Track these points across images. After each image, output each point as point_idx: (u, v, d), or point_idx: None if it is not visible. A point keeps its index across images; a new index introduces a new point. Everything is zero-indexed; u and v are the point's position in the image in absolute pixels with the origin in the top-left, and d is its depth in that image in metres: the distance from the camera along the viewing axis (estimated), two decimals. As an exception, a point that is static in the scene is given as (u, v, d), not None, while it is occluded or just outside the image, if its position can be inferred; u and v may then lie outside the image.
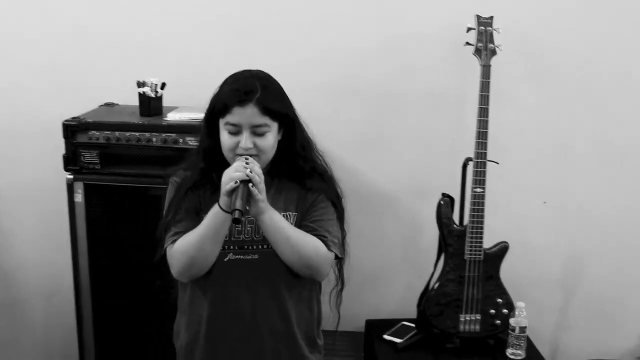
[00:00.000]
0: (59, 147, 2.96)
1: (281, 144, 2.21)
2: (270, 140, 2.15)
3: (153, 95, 3.04)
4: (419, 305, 3.15)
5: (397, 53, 3.25)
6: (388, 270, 3.45)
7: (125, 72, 3.25)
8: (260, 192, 2.06)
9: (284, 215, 2.20)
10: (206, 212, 2.16)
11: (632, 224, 3.36)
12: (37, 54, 3.34)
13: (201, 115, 2.90)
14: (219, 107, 2.16)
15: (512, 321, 3.03)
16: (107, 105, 3.25)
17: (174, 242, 2.19)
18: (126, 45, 3.30)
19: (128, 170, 2.94)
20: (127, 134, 2.91)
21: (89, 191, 2.96)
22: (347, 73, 3.28)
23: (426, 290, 3.13)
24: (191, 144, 2.86)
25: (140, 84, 3.04)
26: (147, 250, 2.92)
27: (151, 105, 3.04)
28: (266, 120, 2.12)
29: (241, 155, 2.12)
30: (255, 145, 2.12)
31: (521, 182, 3.32)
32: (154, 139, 2.91)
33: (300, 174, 2.26)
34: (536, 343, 3.18)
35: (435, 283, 3.06)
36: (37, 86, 3.36)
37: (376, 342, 3.19)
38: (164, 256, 2.24)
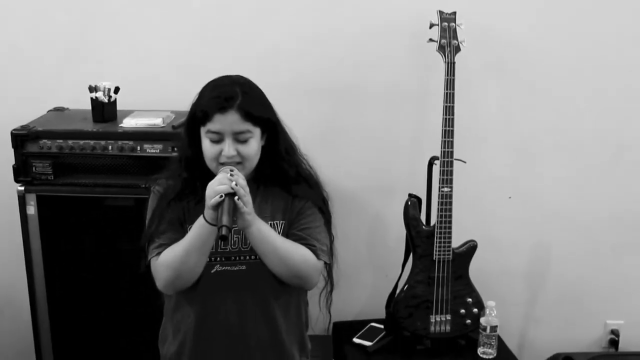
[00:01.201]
0: (7, 156, 2.81)
1: (264, 149, 2.16)
2: (254, 146, 2.11)
3: (106, 100, 2.91)
4: (387, 306, 3.10)
5: (357, 47, 3.16)
6: (353, 270, 3.34)
7: (74, 73, 3.12)
8: (246, 205, 2.01)
9: (270, 225, 2.16)
10: (190, 222, 2.13)
11: (595, 215, 3.35)
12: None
13: (158, 120, 2.83)
14: (199, 114, 2.10)
15: (482, 320, 3.00)
16: (56, 110, 3.10)
17: (158, 254, 2.14)
18: (75, 44, 3.14)
19: (82, 179, 2.81)
20: (81, 142, 2.77)
21: (41, 203, 2.82)
22: (305, 68, 3.18)
23: (394, 292, 3.08)
24: (149, 151, 2.76)
25: (92, 89, 2.90)
26: (105, 261, 2.88)
27: (104, 110, 2.91)
28: (248, 126, 2.08)
29: (224, 164, 2.08)
30: (238, 153, 2.08)
31: (485, 177, 3.27)
32: (110, 147, 2.78)
33: (285, 178, 2.22)
34: (503, 337, 3.16)
35: (404, 285, 3.01)
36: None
37: (345, 345, 3.13)
38: (148, 266, 2.18)
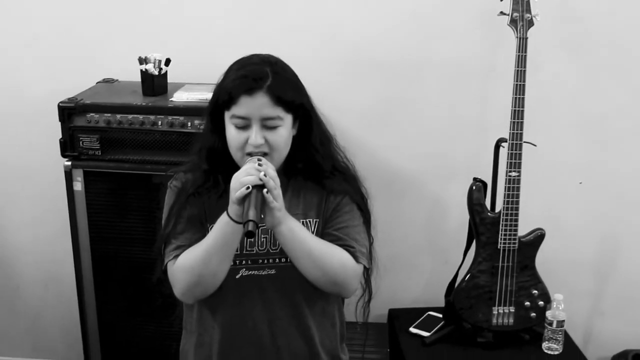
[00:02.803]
0: (54, 130, 2.71)
1: (296, 139, 1.94)
2: (284, 134, 1.88)
3: (156, 73, 2.78)
4: (447, 295, 2.94)
5: (420, 18, 2.97)
6: (411, 256, 3.22)
7: (124, 43, 3.01)
8: (276, 199, 1.79)
9: (303, 223, 1.95)
10: (212, 221, 1.90)
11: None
12: (23, 24, 3.05)
13: (210, 95, 2.69)
14: (224, 97, 1.88)
15: (548, 314, 2.83)
16: (105, 81, 2.99)
17: (175, 257, 1.93)
18: (124, 14, 3.01)
19: (130, 156, 2.71)
20: (130, 116, 2.66)
21: (88, 178, 2.74)
22: (365, 41, 3.01)
23: (454, 281, 2.92)
24: (200, 127, 2.61)
25: (142, 60, 2.78)
26: (151, 241, 2.76)
27: (155, 83, 2.79)
28: (278, 111, 1.85)
29: (250, 153, 1.86)
30: (267, 141, 1.86)
31: (555, 161, 3.06)
32: (159, 122, 2.66)
33: (319, 172, 1.99)
34: (568, 331, 2.96)
35: (466, 274, 2.84)
36: (22, 61, 3.09)
37: (401, 335, 2.98)
38: (165, 272, 1.98)
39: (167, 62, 2.81)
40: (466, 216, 2.86)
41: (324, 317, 2.08)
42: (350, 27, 2.99)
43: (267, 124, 1.85)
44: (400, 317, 3.10)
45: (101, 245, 2.81)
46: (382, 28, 2.99)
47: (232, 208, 1.80)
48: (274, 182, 1.79)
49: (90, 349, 3.00)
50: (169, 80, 2.85)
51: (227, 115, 1.88)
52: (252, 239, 1.88)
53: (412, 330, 2.99)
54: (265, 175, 1.77)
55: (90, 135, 2.68)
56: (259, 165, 1.80)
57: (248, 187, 1.75)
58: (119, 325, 2.94)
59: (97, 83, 2.97)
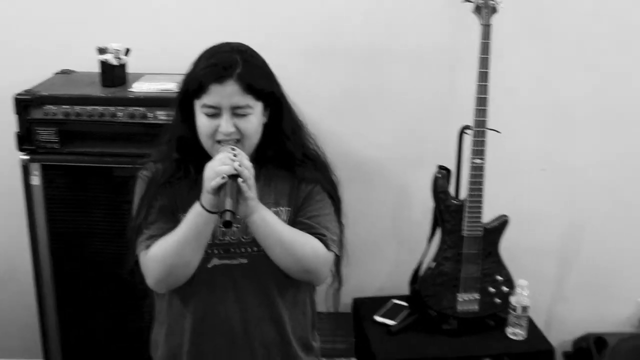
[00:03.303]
0: (10, 123, 2.62)
1: (267, 127, 1.94)
2: (254, 122, 1.89)
3: (116, 63, 2.71)
4: (412, 283, 2.94)
5: (383, 6, 2.95)
6: (375, 244, 3.21)
7: (81, 34, 2.91)
8: (250, 188, 1.80)
9: (274, 212, 1.94)
10: (183, 211, 1.90)
11: (633, 189, 3.17)
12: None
13: (171, 85, 2.64)
14: (194, 85, 1.88)
15: (512, 300, 2.85)
16: (63, 72, 2.90)
17: (147, 247, 1.91)
18: (81, 4, 2.92)
19: (90, 148, 2.64)
20: (89, 108, 2.59)
21: (47, 172, 2.66)
22: (327, 29, 2.97)
23: (419, 268, 2.92)
24: (161, 118, 2.57)
25: (101, 51, 2.71)
26: (113, 235, 2.71)
27: (114, 74, 2.72)
28: (248, 99, 1.85)
29: (220, 142, 1.86)
30: (237, 129, 1.86)
31: (519, 148, 3.08)
32: (119, 114, 2.59)
33: (291, 160, 1.99)
34: (531, 316, 2.98)
35: (431, 261, 2.84)
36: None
37: (366, 324, 2.99)
38: (137, 262, 1.96)
39: (127, 52, 2.75)
40: (430, 203, 2.86)
41: (296, 306, 2.08)
42: (315, 15, 2.96)
43: (238, 112, 1.85)
44: (365, 306, 3.10)
45: (61, 240, 2.74)
46: (348, 16, 2.96)
47: (206, 198, 1.80)
48: (248, 171, 1.79)
49: (49, 348, 2.92)
50: (128, 71, 2.78)
51: (198, 104, 1.87)
52: (227, 229, 1.85)
53: (378, 319, 2.99)
54: (240, 165, 1.77)
55: (48, 128, 2.61)
56: (234, 154, 1.79)
57: (224, 177, 1.75)
58: (79, 322, 2.86)
59: (54, 74, 2.88)
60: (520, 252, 3.06)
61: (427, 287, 2.85)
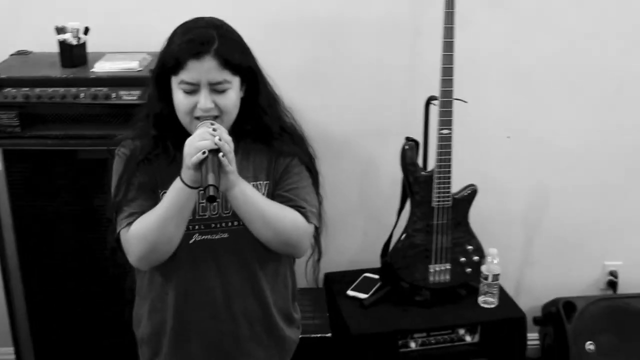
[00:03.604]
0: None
1: (243, 101, 1.93)
2: (232, 97, 1.87)
3: (75, 42, 2.64)
4: (383, 255, 2.95)
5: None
6: (343, 217, 3.18)
7: (36, 13, 2.84)
8: (231, 162, 1.79)
9: (254, 186, 1.94)
10: (164, 187, 1.90)
11: (595, 155, 3.20)
12: None
13: (134, 64, 2.59)
14: (170, 62, 1.85)
15: (483, 268, 2.87)
16: (20, 53, 2.82)
17: (129, 224, 1.90)
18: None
19: (53, 131, 2.57)
20: (49, 89, 2.52)
21: (8, 157, 2.60)
22: (289, 3, 2.93)
23: (389, 241, 2.92)
24: (126, 98, 2.52)
25: (59, 30, 2.63)
26: (80, 219, 2.67)
27: (73, 53, 2.65)
28: (226, 74, 1.84)
29: (199, 118, 1.85)
30: (216, 105, 1.85)
31: (482, 116, 3.07)
32: (82, 95, 2.52)
33: (268, 134, 1.99)
34: (501, 282, 3.00)
35: (402, 233, 2.85)
36: None
37: (339, 298, 2.98)
38: (117, 240, 1.94)
39: (86, 31, 2.68)
40: (398, 175, 2.86)
41: (277, 279, 2.09)
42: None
43: (216, 88, 1.84)
44: (337, 281, 3.10)
45: (26, 227, 2.68)
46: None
47: (187, 173, 1.79)
48: (228, 145, 1.78)
49: (19, 336, 2.87)
50: (88, 50, 2.71)
51: (175, 80, 1.86)
52: (210, 204, 1.86)
53: (350, 293, 2.99)
54: (220, 139, 1.76)
55: (8, 111, 2.52)
56: (213, 129, 1.78)
57: (204, 152, 1.74)
58: (48, 309, 2.81)
59: (10, 56, 2.80)
60: (487, 220, 3.07)
61: (399, 260, 2.86)
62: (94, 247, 2.68)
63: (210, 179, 1.71)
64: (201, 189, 1.76)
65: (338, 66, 3.03)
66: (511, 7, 2.99)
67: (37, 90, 2.52)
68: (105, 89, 2.53)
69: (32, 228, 2.69)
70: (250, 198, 1.89)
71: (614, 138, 3.18)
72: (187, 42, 1.83)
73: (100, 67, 2.60)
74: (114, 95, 2.53)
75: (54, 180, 2.64)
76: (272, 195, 1.98)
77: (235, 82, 1.87)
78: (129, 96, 2.51)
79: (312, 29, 2.97)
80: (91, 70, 2.60)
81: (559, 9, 3.01)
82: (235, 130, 1.93)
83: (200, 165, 1.76)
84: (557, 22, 3.03)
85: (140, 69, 2.60)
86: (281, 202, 1.96)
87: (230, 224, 1.96)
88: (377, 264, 3.02)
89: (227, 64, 1.83)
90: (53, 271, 2.75)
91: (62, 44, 2.64)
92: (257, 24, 2.89)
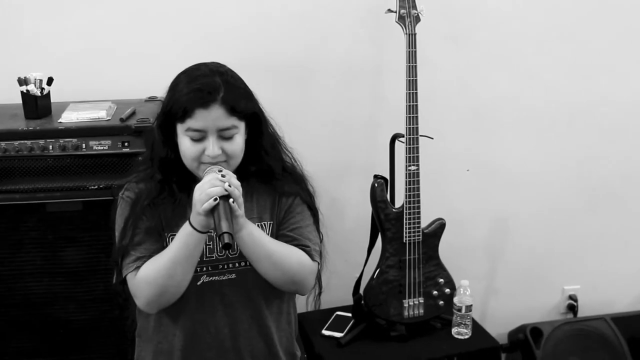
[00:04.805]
0: None
1: (247, 143, 1.96)
2: (239, 142, 1.91)
3: (39, 93, 2.58)
4: (354, 293, 2.95)
5: (307, 22, 2.96)
6: (309, 257, 3.20)
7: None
8: (240, 207, 1.81)
9: (259, 226, 1.97)
10: (170, 230, 1.92)
11: (550, 183, 3.31)
12: None
13: (101, 113, 2.55)
14: (177, 110, 1.87)
15: (456, 300, 2.91)
16: (-21, 106, 2.74)
17: (137, 268, 1.89)
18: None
19: (21, 185, 2.49)
20: (16, 143, 2.46)
21: (-25, 212, 2.50)
22: (250, 46, 2.95)
23: (360, 278, 2.93)
24: (96, 148, 2.47)
25: (22, 81, 2.57)
26: (51, 274, 2.59)
27: (38, 104, 2.58)
28: (233, 121, 1.87)
29: (206, 163, 1.87)
30: (223, 151, 1.87)
31: (443, 150, 3.13)
32: (50, 147, 2.47)
33: (271, 175, 2.03)
34: (468, 313, 3.07)
35: (375, 270, 2.86)
36: None
37: (314, 338, 2.96)
38: (122, 283, 1.95)
39: (50, 81, 2.62)
40: (363, 213, 2.88)
41: (281, 316, 2.11)
42: (239, 30, 2.93)
43: (224, 135, 1.86)
44: (309, 321, 3.06)
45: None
46: (269, 31, 2.95)
47: (197, 219, 1.80)
48: (238, 191, 1.80)
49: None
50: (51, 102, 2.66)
51: (181, 127, 1.87)
52: (227, 250, 1.87)
53: (325, 332, 2.97)
54: (230, 185, 1.78)
55: (-27, 166, 2.45)
56: (222, 175, 1.80)
57: (215, 199, 1.75)
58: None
59: (-31, 110, 2.72)
60: (452, 252, 3.09)
61: (374, 297, 2.86)
62: (64, 300, 2.61)
63: (224, 227, 1.73)
64: (211, 232, 1.79)
65: (301, 106, 3.05)
66: (468, 45, 3.08)
67: (3, 143, 2.45)
68: (74, 140, 2.48)
69: (1, 283, 2.58)
70: (258, 239, 1.91)
71: (567, 167, 3.31)
72: (194, 91, 1.85)
73: (67, 118, 2.54)
74: (83, 145, 2.48)
75: (22, 233, 2.55)
76: (276, 234, 2.01)
77: (241, 127, 1.90)
78: (100, 146, 2.48)
79: (276, 70, 2.99)
80: (59, 121, 2.53)
81: (515, 44, 3.12)
82: (239, 172, 1.94)
83: (212, 212, 1.77)
84: (513, 57, 3.14)
85: (109, 118, 2.55)
86: (286, 241, 1.99)
87: (237, 264, 1.98)
88: (347, 302, 3.03)
89: (234, 111, 1.86)
90: (21, 326, 2.65)
91: (26, 95, 2.58)
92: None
